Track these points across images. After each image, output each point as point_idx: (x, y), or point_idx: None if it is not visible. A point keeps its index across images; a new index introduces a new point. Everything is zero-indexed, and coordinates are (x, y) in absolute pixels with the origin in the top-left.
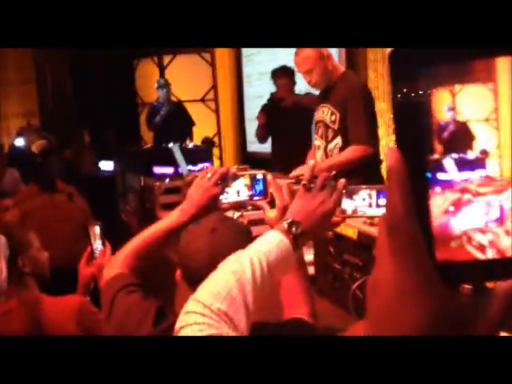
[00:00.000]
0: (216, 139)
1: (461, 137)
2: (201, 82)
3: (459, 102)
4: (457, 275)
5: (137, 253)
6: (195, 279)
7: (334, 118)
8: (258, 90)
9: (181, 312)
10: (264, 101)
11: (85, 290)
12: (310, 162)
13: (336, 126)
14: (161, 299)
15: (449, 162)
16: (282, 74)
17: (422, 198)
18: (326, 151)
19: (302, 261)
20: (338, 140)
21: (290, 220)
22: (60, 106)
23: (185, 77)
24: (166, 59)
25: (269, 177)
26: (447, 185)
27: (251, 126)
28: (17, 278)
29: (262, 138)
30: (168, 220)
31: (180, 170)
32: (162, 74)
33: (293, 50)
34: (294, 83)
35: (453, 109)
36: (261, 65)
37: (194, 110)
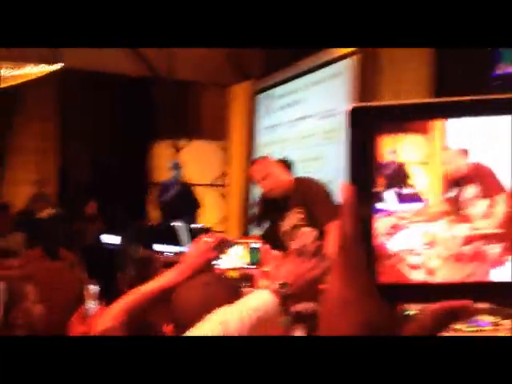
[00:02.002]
0: (222, 223)
1: (400, 175)
2: (212, 167)
3: (399, 146)
4: (395, 295)
5: (130, 308)
6: (186, 331)
7: (301, 217)
8: None
9: None
10: None
11: None
12: (305, 230)
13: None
14: None
15: (389, 195)
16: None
17: (368, 224)
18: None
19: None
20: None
21: (280, 282)
22: (73, 178)
23: (197, 161)
24: (182, 143)
25: (264, 246)
26: (387, 213)
27: None
28: (6, 328)
29: (254, 226)
30: (162, 279)
31: (182, 249)
32: (176, 156)
33: (299, 144)
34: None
35: (394, 152)
36: (272, 155)
37: (203, 193)
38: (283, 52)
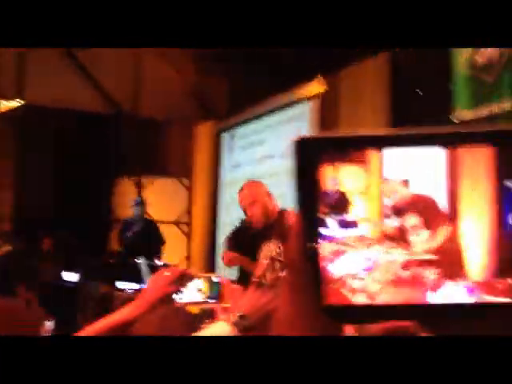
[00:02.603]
0: (185, 262)
1: (341, 202)
2: (176, 206)
3: (340, 175)
4: (340, 316)
5: None
6: None
7: (279, 250)
8: (232, 217)
9: None
10: None
11: None
12: (264, 262)
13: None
14: None
15: (331, 222)
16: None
17: (313, 249)
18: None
19: None
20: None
21: (239, 313)
22: (30, 214)
23: (161, 199)
24: (145, 180)
25: (224, 280)
26: (329, 239)
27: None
28: None
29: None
30: (119, 314)
31: (144, 286)
32: (139, 194)
33: (267, 178)
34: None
35: (335, 180)
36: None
37: (167, 232)
38: (246, 92)
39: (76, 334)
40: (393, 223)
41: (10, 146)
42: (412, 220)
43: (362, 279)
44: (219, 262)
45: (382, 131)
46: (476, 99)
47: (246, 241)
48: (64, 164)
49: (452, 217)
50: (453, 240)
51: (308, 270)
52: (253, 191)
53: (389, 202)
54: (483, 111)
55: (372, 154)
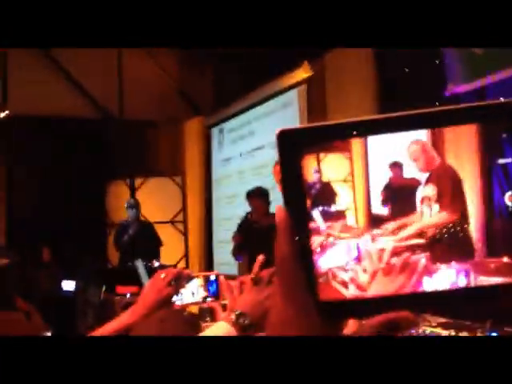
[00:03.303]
0: (183, 261)
1: (325, 193)
2: (170, 205)
3: (323, 166)
4: (334, 312)
5: None
6: None
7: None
8: (227, 213)
9: None
10: (233, 223)
11: None
12: (260, 258)
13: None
14: None
15: (316, 214)
16: (257, 196)
17: (304, 243)
18: None
19: None
20: None
21: (238, 312)
22: (24, 226)
23: (155, 199)
24: (137, 181)
25: (221, 278)
26: (315, 231)
27: (219, 248)
28: None
29: (238, 256)
30: (117, 321)
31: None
32: (132, 195)
33: (255, 175)
34: (268, 204)
35: (318, 171)
36: (230, 188)
37: (163, 232)
38: (232, 85)
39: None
40: (379, 209)
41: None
42: (429, 190)
43: (352, 270)
44: (217, 258)
45: (363, 117)
46: (467, 72)
47: (251, 235)
48: (54, 172)
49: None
50: (447, 220)
51: (299, 266)
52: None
53: (417, 165)
54: (476, 84)
55: (355, 141)
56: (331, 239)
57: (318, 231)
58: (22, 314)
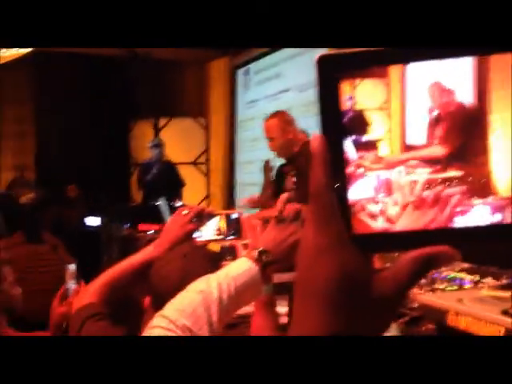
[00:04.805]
0: (205, 203)
1: (358, 122)
2: (194, 146)
3: (357, 93)
4: (369, 244)
5: (109, 284)
6: (164, 303)
7: (295, 181)
8: (250, 156)
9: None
10: (256, 167)
11: (56, 330)
12: (284, 196)
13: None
14: (127, 329)
15: (348, 143)
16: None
17: (340, 173)
18: None
19: (273, 302)
20: None
21: (260, 249)
22: (52, 162)
23: (179, 139)
24: (162, 122)
25: (244, 216)
26: (346, 162)
27: (242, 190)
28: None
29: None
30: (141, 254)
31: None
32: (156, 135)
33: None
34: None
35: (352, 98)
36: (253, 131)
37: (186, 173)
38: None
39: (101, 274)
40: (415, 139)
41: (26, 92)
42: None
43: (382, 202)
44: (239, 201)
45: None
46: None
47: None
48: (80, 109)
49: (482, 129)
50: (482, 154)
51: (334, 195)
52: (269, 126)
53: (432, 105)
54: None
55: (394, 67)
56: (362, 170)
57: (349, 161)
58: (49, 247)
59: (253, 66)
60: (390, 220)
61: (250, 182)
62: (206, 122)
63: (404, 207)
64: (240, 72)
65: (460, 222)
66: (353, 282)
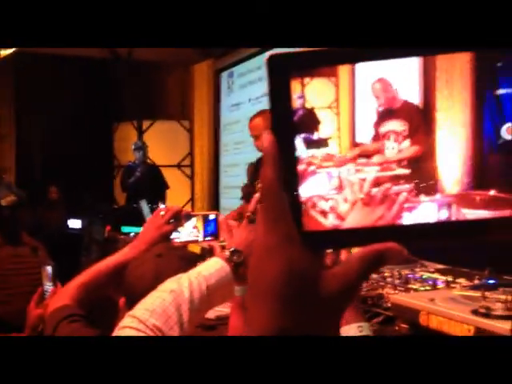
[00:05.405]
0: (189, 205)
1: (308, 120)
2: (178, 148)
3: (307, 92)
4: (321, 242)
5: (84, 285)
6: (137, 302)
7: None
8: (234, 159)
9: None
10: (240, 169)
11: (32, 332)
12: (256, 195)
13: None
14: (102, 330)
15: (298, 142)
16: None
17: (291, 171)
18: None
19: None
20: None
21: (232, 249)
22: (33, 164)
23: (162, 142)
24: (145, 124)
25: (220, 218)
26: (297, 159)
27: (225, 193)
28: None
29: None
30: (118, 255)
31: None
32: (140, 138)
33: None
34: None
35: (302, 97)
36: (237, 134)
37: (170, 175)
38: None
39: (78, 275)
40: (364, 138)
41: (6, 94)
42: (397, 125)
43: (332, 199)
44: (223, 202)
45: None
46: None
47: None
48: (62, 111)
49: (428, 126)
50: (429, 152)
51: (284, 194)
52: (254, 125)
53: (377, 102)
54: None
55: (343, 67)
56: (312, 167)
57: (299, 159)
58: (29, 249)
59: (236, 69)
60: (340, 217)
61: (234, 184)
62: (190, 124)
63: (353, 204)
64: (224, 75)
65: (408, 219)
66: (302, 279)
